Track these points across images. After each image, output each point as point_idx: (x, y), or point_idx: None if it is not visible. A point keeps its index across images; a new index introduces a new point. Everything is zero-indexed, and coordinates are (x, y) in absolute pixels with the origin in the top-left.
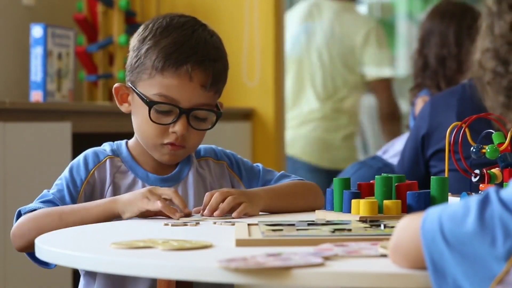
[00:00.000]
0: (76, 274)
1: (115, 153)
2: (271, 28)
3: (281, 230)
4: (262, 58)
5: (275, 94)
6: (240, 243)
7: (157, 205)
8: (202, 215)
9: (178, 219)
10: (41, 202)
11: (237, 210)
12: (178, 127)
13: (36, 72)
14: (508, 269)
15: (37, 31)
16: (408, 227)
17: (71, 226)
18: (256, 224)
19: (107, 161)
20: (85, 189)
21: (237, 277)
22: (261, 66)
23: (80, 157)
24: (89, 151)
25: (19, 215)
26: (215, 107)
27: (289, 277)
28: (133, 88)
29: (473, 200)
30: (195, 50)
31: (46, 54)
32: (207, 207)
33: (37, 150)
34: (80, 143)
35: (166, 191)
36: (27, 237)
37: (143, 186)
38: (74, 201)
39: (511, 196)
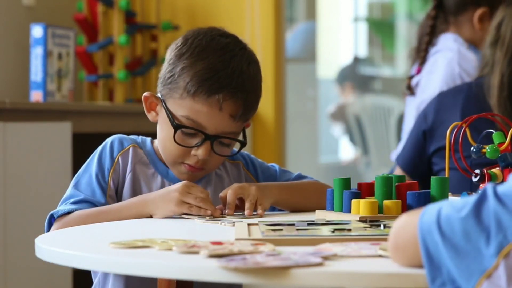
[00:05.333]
0: (76, 274)
1: (140, 145)
2: (271, 28)
3: (281, 230)
4: (263, 58)
5: (276, 94)
6: None
7: (192, 210)
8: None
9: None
10: (73, 203)
11: (259, 211)
12: (201, 152)
13: (36, 72)
14: (498, 264)
15: (37, 31)
16: (407, 225)
17: None
18: (256, 224)
19: (130, 149)
20: (113, 177)
21: (237, 277)
22: (262, 67)
23: (107, 144)
24: (115, 138)
25: (51, 217)
26: (242, 130)
27: (288, 277)
28: (163, 103)
29: (472, 197)
30: (230, 80)
31: (46, 54)
32: (228, 207)
33: (37, 150)
34: (80, 143)
35: (200, 194)
36: None
37: (162, 182)
38: (104, 192)
39: (507, 191)
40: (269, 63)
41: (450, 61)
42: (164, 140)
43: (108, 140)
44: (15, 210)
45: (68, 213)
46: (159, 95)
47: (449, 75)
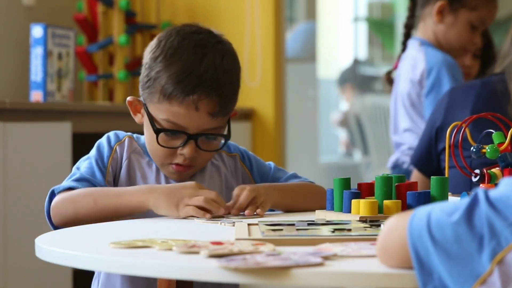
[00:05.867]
0: (76, 274)
1: (134, 139)
2: (271, 28)
3: (281, 230)
4: (263, 58)
5: (276, 94)
6: None
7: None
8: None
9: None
10: (74, 180)
11: (258, 210)
12: (186, 151)
13: (36, 72)
14: (492, 270)
15: (37, 31)
16: (396, 227)
17: (105, 210)
18: (256, 224)
19: (126, 140)
20: (112, 164)
21: (237, 277)
22: (262, 67)
23: (104, 137)
24: (110, 132)
25: (52, 193)
26: (227, 123)
27: (288, 277)
28: (145, 106)
29: (463, 201)
30: (203, 79)
31: (46, 54)
32: (236, 207)
33: (37, 150)
34: (80, 143)
35: (207, 194)
36: (64, 216)
37: (157, 168)
38: (103, 175)
39: (498, 196)
40: (269, 63)
41: (406, 68)
42: (150, 143)
43: (105, 135)
44: (15, 210)
45: (69, 189)
46: (141, 99)
47: (404, 81)
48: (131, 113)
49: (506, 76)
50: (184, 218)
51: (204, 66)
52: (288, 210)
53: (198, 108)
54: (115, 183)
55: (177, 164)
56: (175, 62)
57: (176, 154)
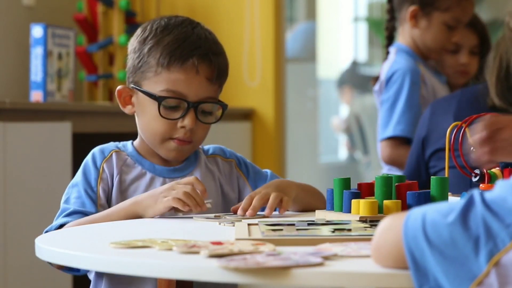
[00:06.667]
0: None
1: (121, 149)
2: (271, 28)
3: (281, 230)
4: (262, 58)
5: (276, 94)
6: None
7: (176, 202)
8: (241, 214)
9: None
10: (65, 216)
11: (282, 207)
12: (187, 121)
13: (36, 72)
14: (488, 271)
15: (37, 31)
16: (391, 228)
17: None
18: (256, 224)
19: (113, 155)
20: (101, 186)
21: (237, 277)
22: (261, 66)
23: (88, 157)
24: (95, 149)
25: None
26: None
27: (289, 277)
28: (138, 88)
29: (458, 202)
30: (198, 44)
31: (46, 54)
32: (251, 208)
33: (37, 150)
34: (80, 143)
35: (186, 180)
36: None
37: (151, 178)
38: (94, 202)
39: (494, 198)
40: (269, 63)
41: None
42: (148, 123)
43: (90, 153)
44: (15, 210)
45: (62, 226)
46: (132, 85)
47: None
48: (121, 105)
49: (486, 73)
50: (170, 215)
51: (196, 35)
52: (302, 209)
53: (198, 72)
54: (109, 202)
55: (177, 139)
56: (166, 35)
57: (176, 128)
